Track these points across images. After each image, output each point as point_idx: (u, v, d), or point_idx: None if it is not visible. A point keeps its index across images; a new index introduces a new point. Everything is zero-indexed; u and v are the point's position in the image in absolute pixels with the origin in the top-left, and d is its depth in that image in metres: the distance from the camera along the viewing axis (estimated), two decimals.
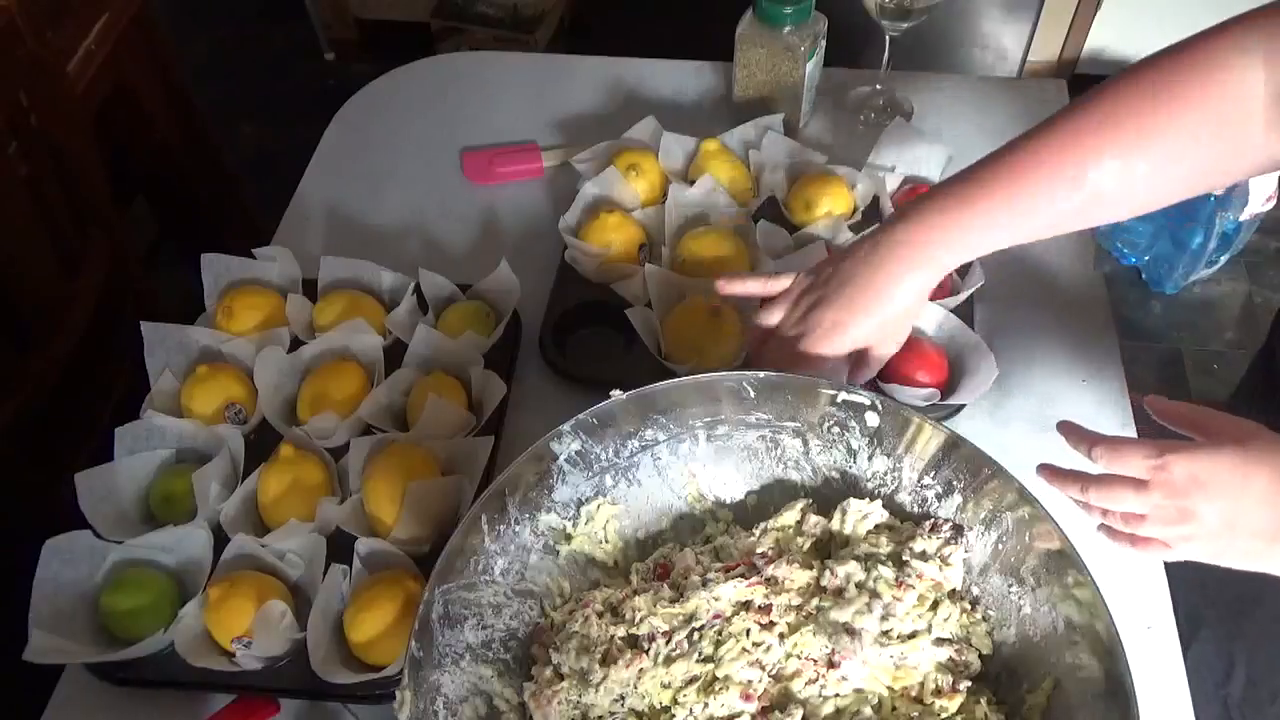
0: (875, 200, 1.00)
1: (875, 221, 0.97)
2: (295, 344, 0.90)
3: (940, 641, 0.65)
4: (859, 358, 0.75)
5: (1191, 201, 2.00)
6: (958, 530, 0.67)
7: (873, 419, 0.69)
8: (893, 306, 0.72)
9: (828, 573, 0.67)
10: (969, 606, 0.67)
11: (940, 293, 0.89)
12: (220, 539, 0.76)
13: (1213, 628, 0.85)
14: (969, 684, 0.64)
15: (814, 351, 0.73)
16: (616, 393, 0.69)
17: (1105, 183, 0.65)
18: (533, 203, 1.08)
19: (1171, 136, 0.63)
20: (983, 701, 0.63)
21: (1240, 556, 0.58)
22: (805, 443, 0.73)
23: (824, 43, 1.07)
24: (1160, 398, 0.62)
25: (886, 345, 0.75)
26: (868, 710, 0.63)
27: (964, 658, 0.65)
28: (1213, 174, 0.66)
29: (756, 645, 0.65)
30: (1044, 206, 0.66)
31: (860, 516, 0.70)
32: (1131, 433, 0.86)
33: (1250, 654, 0.87)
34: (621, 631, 0.66)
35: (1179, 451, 0.57)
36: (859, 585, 0.66)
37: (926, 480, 0.69)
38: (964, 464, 0.66)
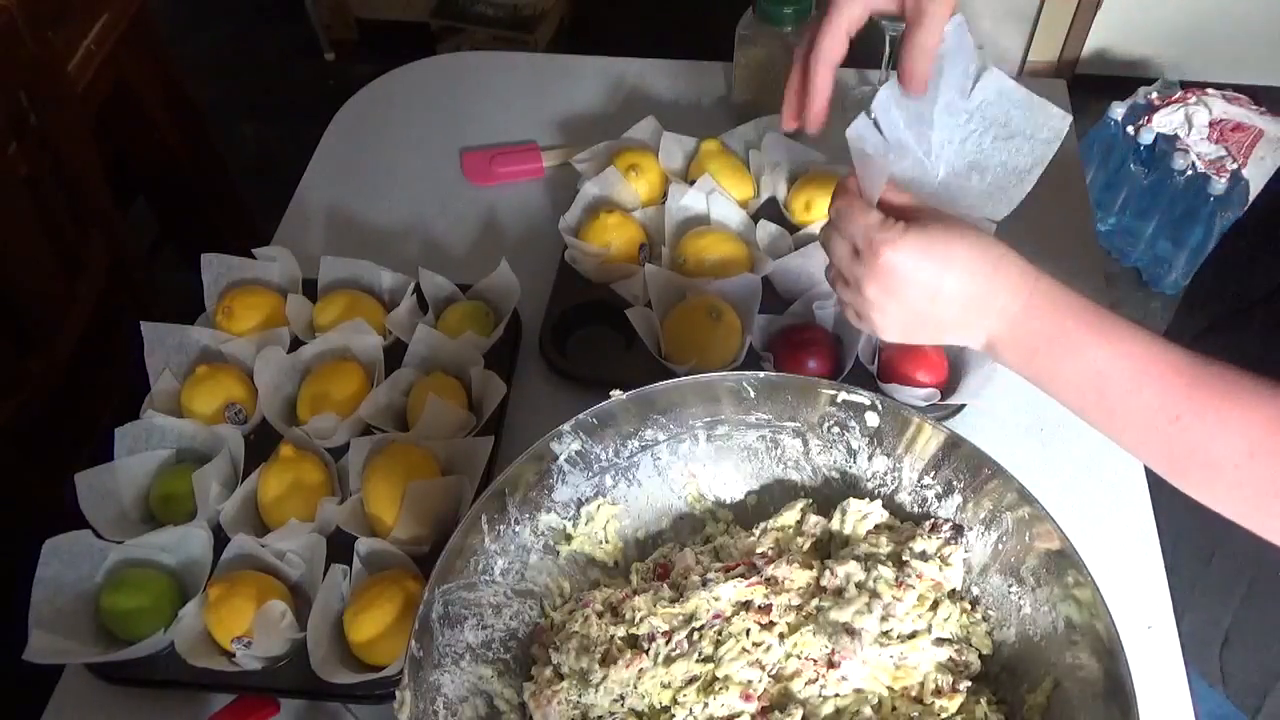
0: None
1: None
2: (295, 344, 0.90)
3: (940, 641, 0.65)
4: None
5: (1191, 201, 2.01)
6: (958, 530, 0.67)
7: (873, 419, 0.69)
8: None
9: (828, 573, 0.67)
10: (969, 606, 0.67)
11: None
12: (220, 539, 0.76)
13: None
14: (969, 684, 0.64)
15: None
16: (616, 393, 0.69)
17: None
18: (533, 203, 1.08)
19: None
20: (983, 701, 0.63)
21: (924, 338, 0.62)
22: (805, 443, 0.73)
23: None
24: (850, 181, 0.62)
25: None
26: (868, 710, 0.63)
27: (964, 658, 0.65)
28: None
29: (756, 645, 0.65)
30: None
31: (860, 516, 0.70)
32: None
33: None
34: (621, 631, 0.66)
35: (894, 232, 0.58)
36: (859, 585, 0.66)
37: (926, 480, 0.69)
38: (964, 464, 0.66)
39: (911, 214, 0.60)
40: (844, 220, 0.61)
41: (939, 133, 0.66)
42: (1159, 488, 0.82)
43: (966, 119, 0.66)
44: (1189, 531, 0.79)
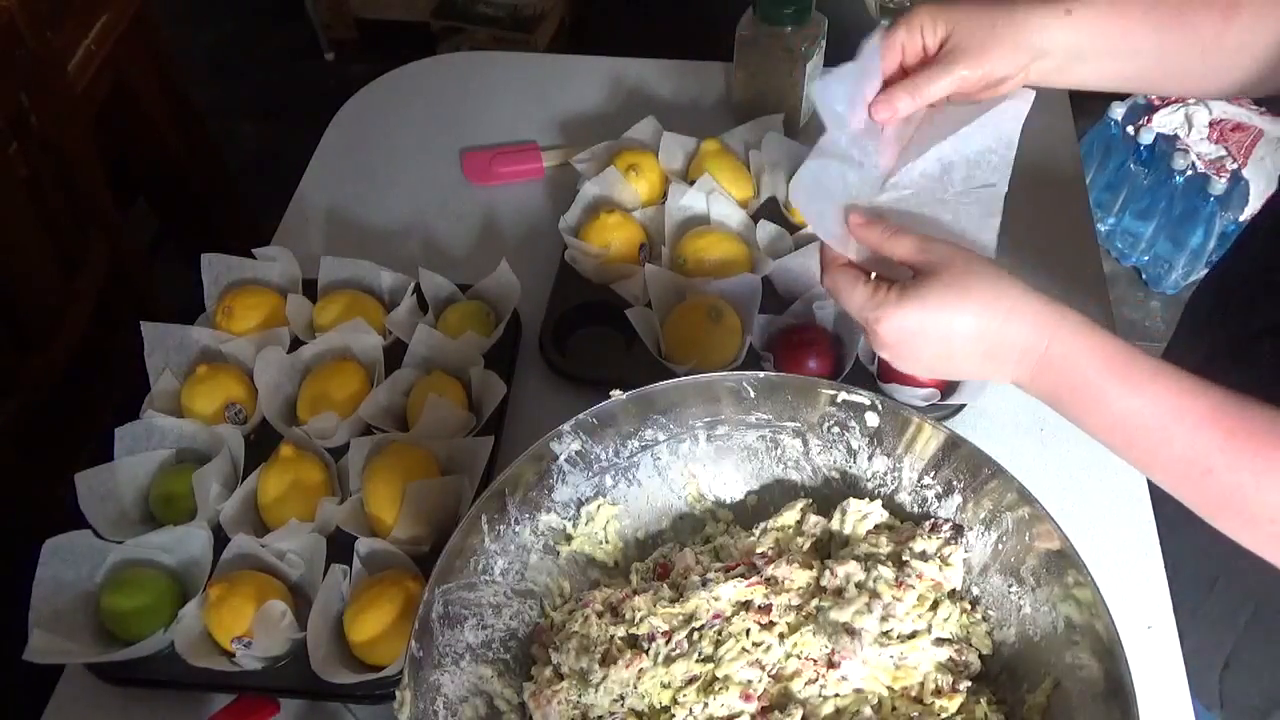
0: None
1: None
2: (295, 344, 0.90)
3: (940, 641, 0.65)
4: None
5: (1191, 201, 2.01)
6: (958, 530, 0.67)
7: (873, 419, 0.69)
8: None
9: (828, 573, 0.67)
10: (969, 606, 0.67)
11: None
12: (220, 539, 0.76)
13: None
14: (969, 684, 0.64)
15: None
16: (616, 393, 0.69)
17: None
18: (533, 203, 1.08)
19: None
20: (983, 701, 0.63)
21: (959, 375, 0.63)
22: (805, 443, 0.73)
23: (824, 43, 1.07)
24: (860, 217, 0.62)
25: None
26: (868, 710, 0.63)
27: (964, 658, 0.65)
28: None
29: (756, 645, 0.65)
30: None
31: (860, 516, 0.70)
32: None
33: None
34: (621, 631, 0.66)
35: (886, 308, 0.58)
36: (859, 585, 0.66)
37: (926, 480, 0.69)
38: (964, 464, 0.66)
39: (917, 259, 0.59)
40: (840, 297, 0.62)
41: (909, 172, 0.63)
42: (1161, 510, 0.82)
43: (942, 172, 0.63)
44: (1191, 557, 0.79)
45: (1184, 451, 0.53)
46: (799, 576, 0.67)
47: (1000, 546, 0.66)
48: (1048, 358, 0.56)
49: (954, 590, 0.67)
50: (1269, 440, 0.51)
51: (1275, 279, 0.73)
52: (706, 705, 0.63)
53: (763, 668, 0.64)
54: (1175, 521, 0.78)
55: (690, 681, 0.64)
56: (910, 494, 0.70)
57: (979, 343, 0.58)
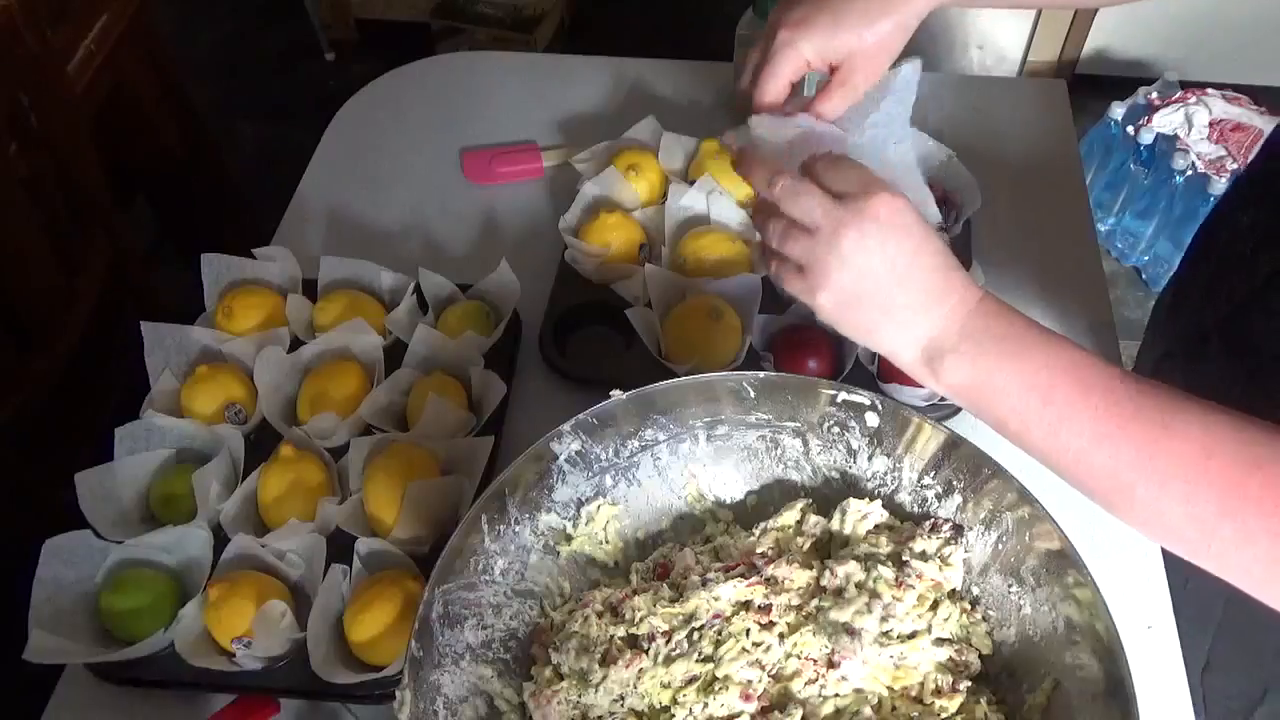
0: None
1: None
2: (295, 344, 0.90)
3: (940, 641, 0.65)
4: None
5: (1191, 201, 2.01)
6: (958, 530, 0.67)
7: (873, 419, 0.69)
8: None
9: (828, 573, 0.67)
10: (969, 606, 0.67)
11: None
12: (220, 539, 0.76)
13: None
14: (969, 684, 0.64)
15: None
16: (616, 393, 0.69)
17: None
18: (533, 203, 1.08)
19: None
20: (983, 701, 0.63)
21: (856, 329, 0.58)
22: (805, 443, 0.73)
23: None
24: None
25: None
26: (867, 710, 0.63)
27: (964, 658, 0.65)
28: None
29: (756, 645, 0.65)
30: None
31: (860, 516, 0.70)
32: None
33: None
34: (621, 631, 0.66)
35: (889, 189, 0.56)
36: (859, 585, 0.66)
37: (926, 480, 0.69)
38: (964, 464, 0.66)
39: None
40: (836, 170, 0.58)
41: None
42: None
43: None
44: (1166, 556, 0.79)
45: (1101, 405, 0.52)
46: (799, 576, 0.67)
47: (1000, 546, 0.66)
48: (981, 307, 0.56)
49: (954, 590, 0.67)
50: (1176, 403, 0.51)
51: (1223, 278, 0.74)
52: (706, 705, 0.63)
53: (763, 668, 0.64)
54: None
55: (690, 681, 0.64)
56: (910, 494, 0.70)
57: (939, 266, 0.56)
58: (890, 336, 0.57)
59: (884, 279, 0.56)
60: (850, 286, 0.56)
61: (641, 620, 0.65)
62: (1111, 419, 0.51)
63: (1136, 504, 0.52)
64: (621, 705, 0.64)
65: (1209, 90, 2.20)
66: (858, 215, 0.55)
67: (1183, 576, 0.80)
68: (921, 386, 0.83)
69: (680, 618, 0.66)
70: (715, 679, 0.64)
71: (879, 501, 0.70)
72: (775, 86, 0.67)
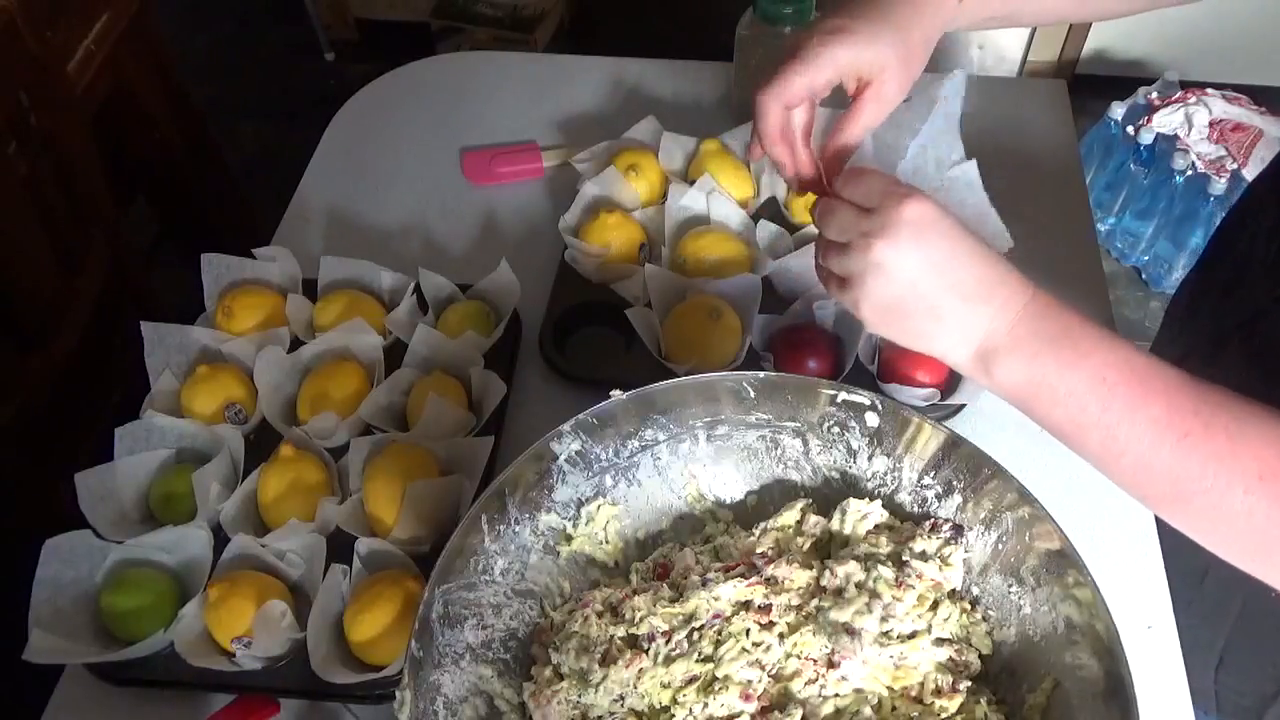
0: None
1: None
2: (295, 344, 0.90)
3: (940, 641, 0.65)
4: None
5: (1191, 201, 2.01)
6: (958, 530, 0.67)
7: (873, 419, 0.69)
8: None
9: (827, 573, 0.67)
10: (969, 606, 0.67)
11: None
12: (220, 539, 0.76)
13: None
14: (969, 684, 0.64)
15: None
16: (616, 393, 0.69)
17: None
18: (533, 203, 1.08)
19: None
20: (983, 701, 0.63)
21: (904, 336, 0.58)
22: (805, 443, 0.73)
23: None
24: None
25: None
26: (867, 710, 0.63)
27: (964, 658, 0.65)
28: None
29: (756, 645, 0.65)
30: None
31: (860, 516, 0.70)
32: None
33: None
34: (621, 631, 0.66)
35: (915, 194, 0.55)
36: (859, 585, 0.66)
37: (926, 480, 0.69)
38: (964, 464, 0.66)
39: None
40: (857, 182, 0.57)
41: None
42: None
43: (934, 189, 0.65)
44: (1181, 550, 0.79)
45: (1162, 414, 0.50)
46: (799, 576, 0.67)
47: (1000, 546, 0.66)
48: (1033, 305, 0.54)
49: (954, 590, 0.67)
50: (1237, 413, 0.50)
51: (1243, 278, 0.74)
52: (706, 705, 0.63)
53: (763, 668, 0.64)
54: None
55: (690, 681, 0.64)
56: (910, 494, 0.70)
57: (982, 264, 0.54)
58: (940, 339, 0.56)
59: (923, 283, 0.55)
60: (891, 295, 0.56)
61: (641, 620, 0.65)
62: (1174, 427, 0.50)
63: (1193, 512, 0.51)
64: (621, 705, 0.64)
65: (1209, 90, 2.20)
66: (886, 224, 0.55)
67: (1199, 573, 0.80)
68: (921, 386, 0.83)
69: (680, 618, 0.66)
70: (715, 679, 0.64)
71: (879, 501, 0.70)
72: (801, 87, 0.63)
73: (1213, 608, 0.80)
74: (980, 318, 0.55)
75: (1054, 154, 1.11)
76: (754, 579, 0.66)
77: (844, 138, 0.66)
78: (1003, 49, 2.60)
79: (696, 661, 0.64)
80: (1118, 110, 2.18)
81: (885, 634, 0.64)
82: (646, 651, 0.64)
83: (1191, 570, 0.80)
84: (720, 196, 0.98)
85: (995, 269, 0.55)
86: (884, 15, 0.63)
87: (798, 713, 0.62)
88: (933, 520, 0.68)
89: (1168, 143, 2.08)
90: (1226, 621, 0.80)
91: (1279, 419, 0.49)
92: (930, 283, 0.55)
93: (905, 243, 0.55)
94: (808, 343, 0.87)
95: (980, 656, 0.66)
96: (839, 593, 0.66)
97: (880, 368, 0.86)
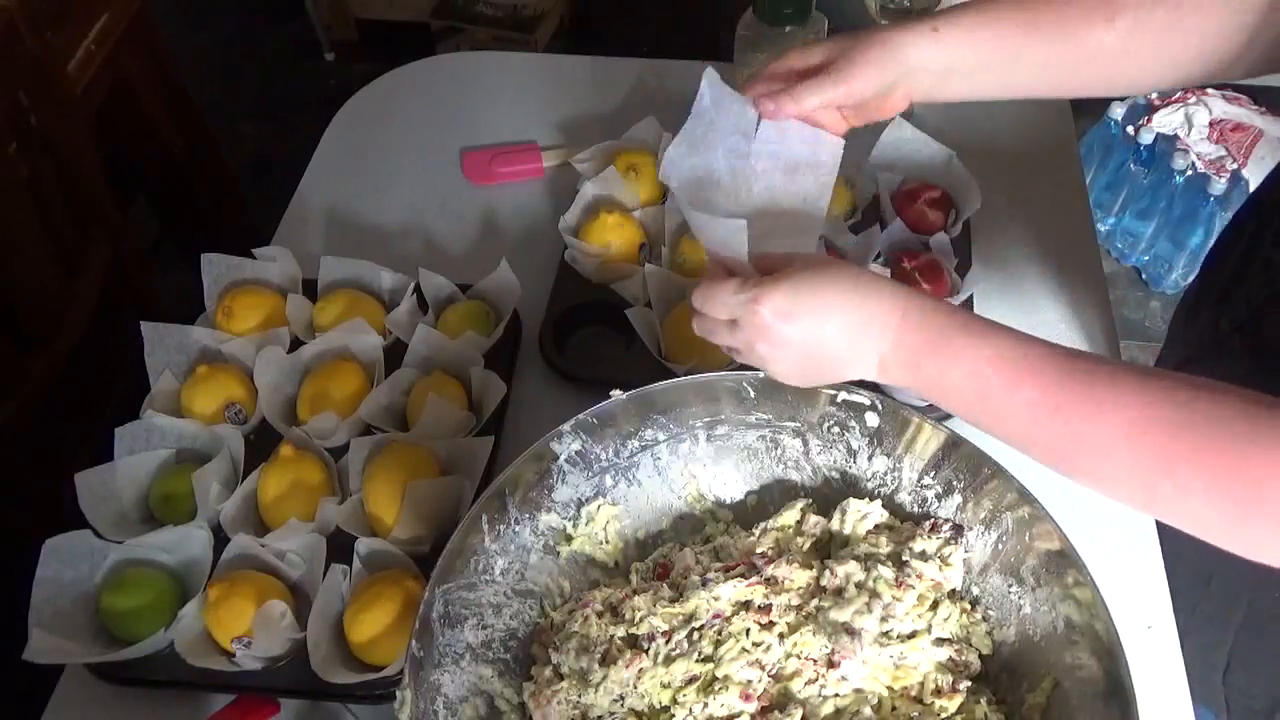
0: (875, 200, 1.00)
1: (875, 221, 0.98)
2: (295, 344, 0.90)
3: (940, 641, 0.65)
4: None
5: (1191, 201, 2.01)
6: (958, 530, 0.67)
7: (873, 419, 0.69)
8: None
9: (827, 573, 0.67)
10: (969, 606, 0.67)
11: (939, 293, 0.89)
12: (220, 539, 0.76)
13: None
14: (969, 684, 0.64)
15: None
16: (616, 393, 0.69)
17: None
18: (533, 203, 1.08)
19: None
20: (983, 701, 0.63)
21: (819, 382, 0.64)
22: (805, 443, 0.73)
23: None
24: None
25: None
26: (867, 710, 0.63)
27: (964, 658, 0.65)
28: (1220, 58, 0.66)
29: (756, 645, 0.65)
30: None
31: (860, 516, 0.70)
32: None
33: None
34: (621, 631, 0.66)
35: (766, 287, 0.59)
36: (859, 585, 0.66)
37: (926, 480, 0.69)
38: (964, 464, 0.66)
39: (778, 267, 0.62)
40: (710, 302, 0.63)
41: (730, 179, 0.68)
42: None
43: (754, 160, 0.68)
44: (1186, 554, 0.79)
45: (1033, 394, 0.54)
46: (799, 576, 0.67)
47: (1000, 546, 0.66)
48: (905, 323, 0.59)
49: (954, 590, 0.67)
50: (1099, 380, 0.53)
51: (1242, 280, 0.74)
52: (706, 705, 0.63)
53: (763, 668, 0.64)
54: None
55: (690, 681, 0.64)
56: (910, 494, 0.70)
57: (849, 315, 0.59)
58: (849, 372, 0.62)
59: (812, 349, 0.61)
60: (790, 367, 0.62)
61: (641, 620, 0.65)
62: (1045, 404, 0.54)
63: (1084, 475, 0.55)
64: (621, 705, 0.64)
65: (1209, 90, 2.20)
66: (753, 332, 0.61)
67: (1204, 576, 0.80)
68: None
69: (680, 618, 0.66)
70: (715, 679, 0.64)
71: (879, 501, 0.70)
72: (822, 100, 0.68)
73: (1218, 611, 0.80)
74: (869, 345, 0.60)
75: (1054, 154, 1.11)
76: (754, 579, 0.66)
77: (798, 100, 0.67)
78: None
79: (696, 661, 0.64)
80: (1118, 110, 2.18)
81: (885, 634, 0.64)
82: (646, 651, 0.64)
83: (1196, 574, 0.80)
84: None
85: (862, 307, 0.60)
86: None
87: (798, 713, 0.62)
88: (933, 520, 0.68)
89: (1168, 143, 2.08)
90: (1232, 624, 0.81)
91: (1140, 376, 0.53)
92: (816, 346, 0.60)
93: (778, 344, 0.60)
94: None
95: (980, 656, 0.66)
96: (839, 593, 0.66)
97: None
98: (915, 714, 0.63)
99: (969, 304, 0.91)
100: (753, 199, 0.68)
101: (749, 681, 0.64)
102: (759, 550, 0.69)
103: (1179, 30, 0.65)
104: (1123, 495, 0.54)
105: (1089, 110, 2.23)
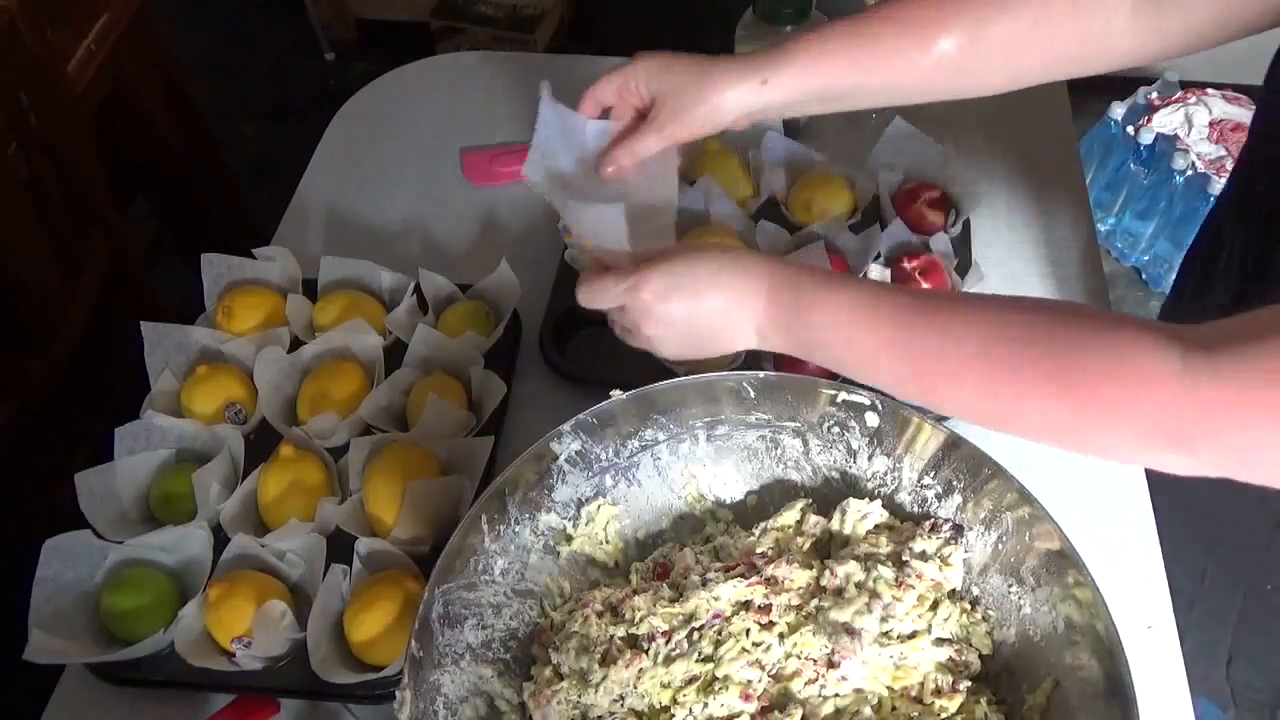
0: (875, 200, 1.00)
1: (875, 221, 0.98)
2: (295, 344, 0.90)
3: (940, 641, 0.65)
4: None
5: (1191, 201, 2.01)
6: (958, 530, 0.67)
7: (873, 419, 0.69)
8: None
9: (828, 573, 0.67)
10: (969, 606, 0.67)
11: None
12: (220, 539, 0.76)
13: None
14: (969, 684, 0.64)
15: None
16: (616, 393, 0.69)
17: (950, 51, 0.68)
18: (533, 203, 1.08)
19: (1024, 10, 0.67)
20: (983, 701, 0.63)
21: (706, 355, 0.68)
22: (805, 443, 0.73)
23: None
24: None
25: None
26: (867, 710, 0.63)
27: (964, 658, 0.65)
28: (1071, 60, 0.69)
29: (756, 645, 0.65)
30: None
31: (860, 516, 0.70)
32: None
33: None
34: (621, 631, 0.66)
35: (644, 272, 0.65)
36: (859, 585, 0.66)
37: (926, 480, 0.69)
38: (964, 464, 0.66)
39: (655, 257, 0.66)
40: (596, 297, 0.68)
41: (584, 181, 0.77)
42: (1156, 501, 0.82)
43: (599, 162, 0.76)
44: (1182, 550, 0.79)
45: (892, 331, 0.58)
46: (799, 576, 0.67)
47: (1000, 546, 0.66)
48: (772, 289, 0.63)
49: (954, 590, 0.67)
50: (947, 308, 0.58)
51: (1218, 258, 0.75)
52: (706, 705, 0.63)
53: (763, 668, 0.64)
54: (1169, 516, 0.78)
55: (690, 681, 0.64)
56: (910, 494, 0.70)
57: (721, 291, 0.64)
58: (735, 342, 0.66)
59: (693, 325, 0.65)
60: (676, 345, 0.67)
61: (641, 620, 0.65)
62: (901, 339, 0.58)
63: (943, 399, 0.59)
64: (621, 705, 0.64)
65: (1209, 90, 2.20)
66: (638, 317, 0.66)
67: (1199, 572, 0.80)
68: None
69: (680, 618, 0.66)
70: (715, 679, 0.64)
71: (879, 501, 0.70)
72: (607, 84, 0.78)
73: (1216, 605, 0.81)
74: (744, 316, 0.64)
75: (1054, 154, 1.11)
76: (754, 579, 0.66)
77: (634, 152, 0.77)
78: None
79: (696, 661, 0.64)
80: (1118, 110, 2.18)
81: (885, 634, 0.64)
82: (646, 651, 0.64)
83: (1192, 570, 0.80)
84: (720, 196, 0.98)
85: (732, 282, 0.64)
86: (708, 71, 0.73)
87: (798, 713, 0.62)
88: (933, 520, 0.68)
89: (1168, 143, 2.08)
90: (1231, 618, 0.81)
91: (984, 300, 0.57)
92: (696, 322, 0.65)
93: (660, 324, 0.66)
94: None
95: (980, 656, 0.66)
96: (839, 593, 0.66)
97: None
98: (915, 714, 0.63)
99: None
100: (607, 194, 0.75)
101: (749, 681, 0.64)
102: (759, 550, 0.69)
103: (1020, 38, 0.68)
104: (979, 415, 0.57)
105: (1089, 110, 2.23)
